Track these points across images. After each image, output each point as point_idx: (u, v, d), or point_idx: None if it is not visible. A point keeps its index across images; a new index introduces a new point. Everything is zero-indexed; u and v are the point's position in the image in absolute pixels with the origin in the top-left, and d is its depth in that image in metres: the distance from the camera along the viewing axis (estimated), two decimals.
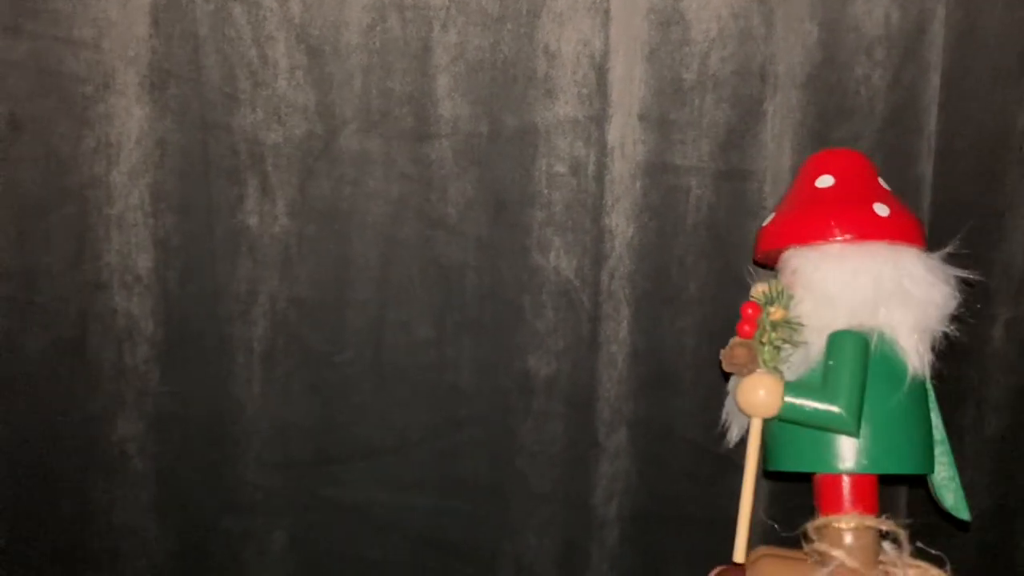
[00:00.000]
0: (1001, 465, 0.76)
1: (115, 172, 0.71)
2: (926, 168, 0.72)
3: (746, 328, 0.60)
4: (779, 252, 0.63)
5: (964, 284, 0.61)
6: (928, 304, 0.60)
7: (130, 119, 0.70)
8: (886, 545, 0.61)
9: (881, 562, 0.60)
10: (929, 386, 0.62)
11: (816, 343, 0.60)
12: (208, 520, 0.74)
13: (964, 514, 0.64)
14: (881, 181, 0.64)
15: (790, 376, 0.60)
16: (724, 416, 0.64)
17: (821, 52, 0.71)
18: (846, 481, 0.60)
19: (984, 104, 0.72)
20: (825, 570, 0.59)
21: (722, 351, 0.59)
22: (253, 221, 0.71)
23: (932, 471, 0.63)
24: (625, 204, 0.72)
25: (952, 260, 0.61)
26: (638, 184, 0.72)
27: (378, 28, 0.70)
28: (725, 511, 0.74)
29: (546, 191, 0.72)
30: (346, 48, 0.70)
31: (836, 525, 0.60)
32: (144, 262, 0.71)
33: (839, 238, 0.60)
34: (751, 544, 0.61)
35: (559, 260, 0.72)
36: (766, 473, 0.65)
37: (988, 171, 0.73)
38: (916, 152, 0.72)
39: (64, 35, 0.69)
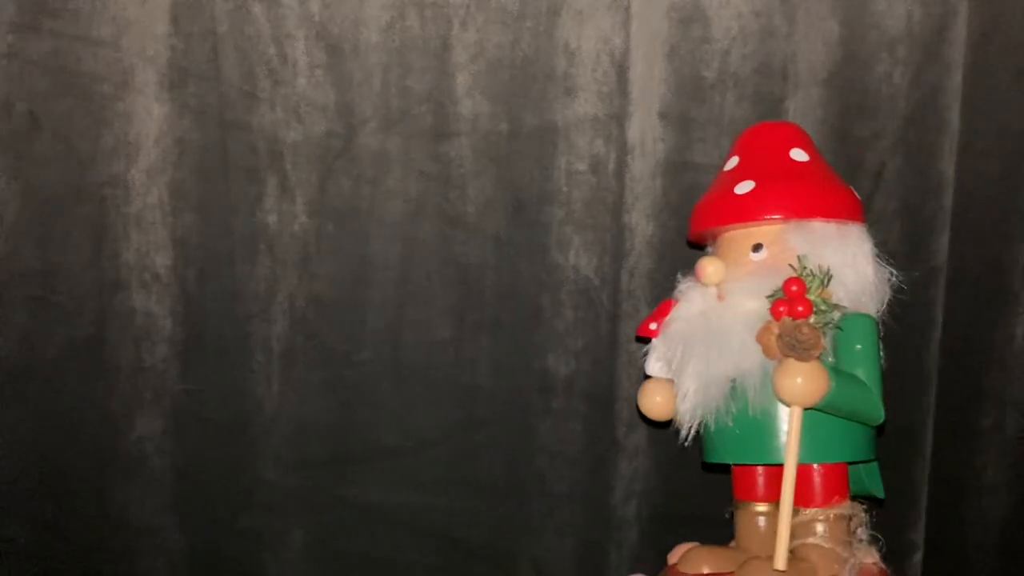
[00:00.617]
0: (1021, 465, 0.76)
1: (134, 170, 0.71)
2: (948, 166, 0.73)
3: (799, 307, 0.55)
4: (723, 229, 0.60)
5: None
6: (882, 289, 0.60)
7: (149, 118, 0.71)
8: (856, 531, 0.60)
9: (850, 550, 0.59)
10: None
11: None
12: (226, 518, 0.74)
13: (879, 492, 0.64)
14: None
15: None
16: (688, 407, 0.59)
17: (842, 50, 0.71)
18: (815, 471, 0.59)
19: (1006, 102, 0.73)
20: (844, 571, 0.58)
21: (760, 332, 0.55)
22: (272, 220, 0.72)
23: (876, 457, 0.62)
24: (645, 202, 0.72)
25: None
26: (658, 182, 0.72)
27: (397, 26, 0.70)
28: None
29: (565, 189, 0.72)
30: (365, 46, 0.70)
31: (804, 515, 0.59)
32: (163, 260, 0.72)
33: (837, 218, 0.59)
34: (682, 539, 0.62)
35: (578, 259, 0.72)
36: (704, 466, 0.63)
37: (1010, 169, 0.73)
38: (938, 150, 0.72)
39: (83, 34, 0.70)
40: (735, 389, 0.57)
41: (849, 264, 0.58)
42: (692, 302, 0.59)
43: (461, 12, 0.70)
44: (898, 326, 0.74)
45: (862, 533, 0.60)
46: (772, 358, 0.55)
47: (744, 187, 0.60)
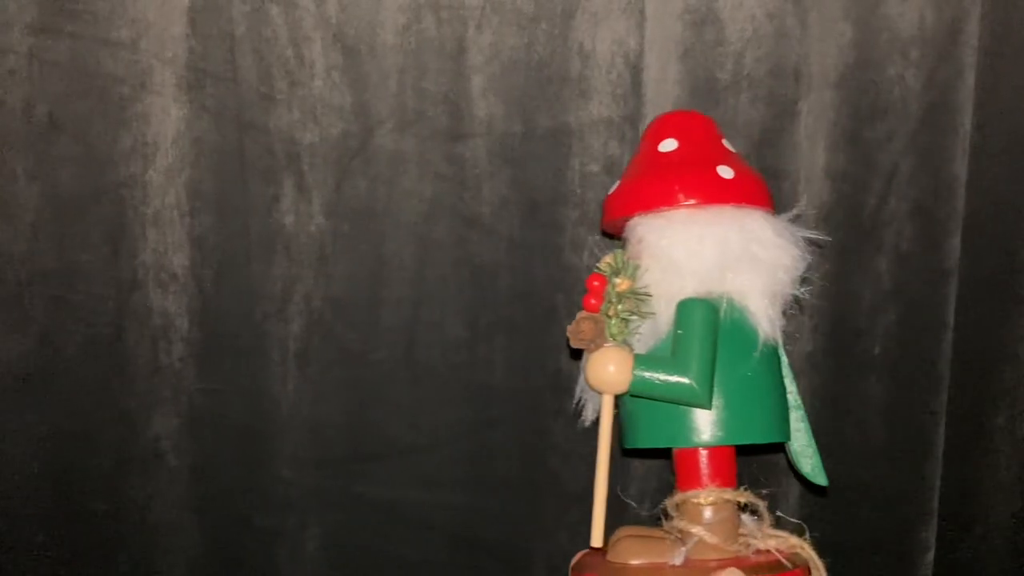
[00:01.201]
0: None
1: (152, 171, 0.72)
2: (961, 168, 0.74)
3: (592, 301, 0.58)
4: (625, 221, 0.61)
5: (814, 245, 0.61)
6: (777, 267, 0.59)
7: (167, 119, 0.72)
8: (745, 517, 0.61)
9: (742, 534, 0.60)
10: (782, 352, 0.62)
11: (665, 313, 0.59)
12: (242, 517, 0.76)
13: (821, 479, 0.64)
14: (726, 143, 0.63)
15: (640, 349, 0.59)
16: (578, 395, 0.63)
17: (855, 52, 0.73)
18: (703, 455, 0.60)
19: (1019, 104, 0.73)
20: (684, 547, 0.59)
21: (568, 327, 0.58)
22: (289, 220, 0.73)
23: (788, 439, 0.62)
24: None
25: (799, 221, 0.61)
26: None
27: (413, 28, 0.71)
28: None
29: (579, 190, 0.73)
30: (382, 48, 0.71)
31: (695, 500, 0.59)
32: (180, 260, 0.73)
33: (684, 203, 0.59)
34: (612, 526, 0.60)
35: (592, 259, 0.73)
36: (624, 451, 0.64)
37: (1022, 171, 0.74)
38: (951, 152, 0.73)
39: (102, 36, 0.71)
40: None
41: (690, 249, 0.58)
42: None
43: (476, 15, 0.72)
44: (911, 327, 0.75)
45: (758, 519, 0.60)
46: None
47: (613, 187, 0.63)
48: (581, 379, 0.62)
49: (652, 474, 0.75)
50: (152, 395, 0.74)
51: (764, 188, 0.61)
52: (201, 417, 0.74)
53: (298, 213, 0.73)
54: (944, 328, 0.75)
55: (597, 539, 0.59)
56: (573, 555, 0.77)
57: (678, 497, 0.60)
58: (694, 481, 0.60)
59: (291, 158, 0.72)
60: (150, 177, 0.72)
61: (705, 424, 0.58)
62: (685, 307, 0.58)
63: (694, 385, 0.57)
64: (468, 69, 0.72)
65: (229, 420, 0.75)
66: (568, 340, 0.58)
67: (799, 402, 0.63)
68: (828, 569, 0.61)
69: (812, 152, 0.73)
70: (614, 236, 0.65)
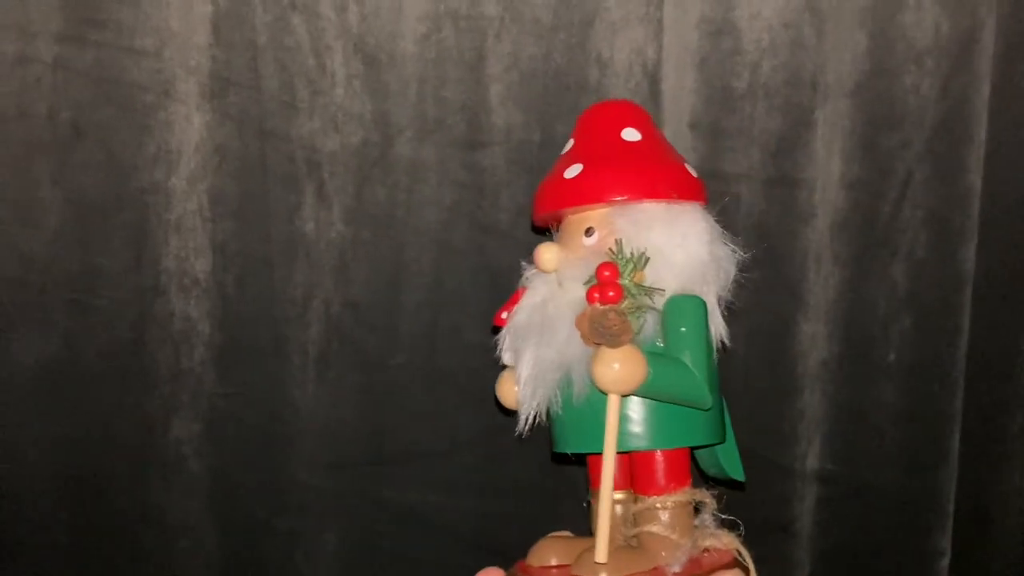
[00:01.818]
0: None
1: (175, 178, 0.74)
2: (975, 176, 0.75)
3: (610, 293, 0.54)
4: (564, 213, 0.60)
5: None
6: (726, 269, 0.59)
7: (190, 126, 0.74)
8: (700, 516, 0.60)
9: (693, 535, 0.59)
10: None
11: (659, 311, 0.57)
12: (261, 520, 0.77)
13: (738, 475, 0.64)
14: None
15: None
16: (522, 396, 0.58)
17: (871, 61, 0.74)
18: (659, 457, 0.58)
19: None
20: (680, 555, 0.57)
21: (587, 318, 0.54)
22: (309, 227, 0.74)
23: (725, 440, 0.62)
24: None
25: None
26: None
27: (433, 38, 0.73)
28: (773, 516, 0.78)
29: None
30: (402, 58, 0.73)
31: (649, 502, 0.58)
32: (202, 266, 0.75)
33: (666, 198, 0.57)
34: (538, 533, 0.60)
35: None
36: (553, 456, 0.62)
37: None
38: (966, 161, 0.75)
39: (127, 44, 0.73)
40: (567, 378, 0.56)
41: (679, 245, 0.57)
42: (536, 290, 0.58)
43: (495, 24, 0.73)
44: (926, 333, 0.77)
45: (709, 519, 0.59)
46: (589, 345, 0.55)
47: (573, 171, 0.59)
48: (524, 381, 0.58)
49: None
50: (173, 399, 0.76)
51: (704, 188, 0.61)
52: (221, 421, 0.76)
53: (319, 220, 0.74)
54: (959, 334, 0.76)
55: (602, 554, 0.55)
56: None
57: (644, 503, 0.58)
58: (649, 484, 0.58)
59: (312, 165, 0.74)
60: (173, 184, 0.74)
61: (661, 428, 0.57)
62: (682, 304, 0.56)
63: (704, 385, 0.56)
64: (487, 78, 0.73)
65: (249, 424, 0.76)
66: (588, 334, 0.54)
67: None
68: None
69: (828, 160, 0.75)
70: (544, 227, 0.62)
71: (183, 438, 0.76)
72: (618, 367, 0.53)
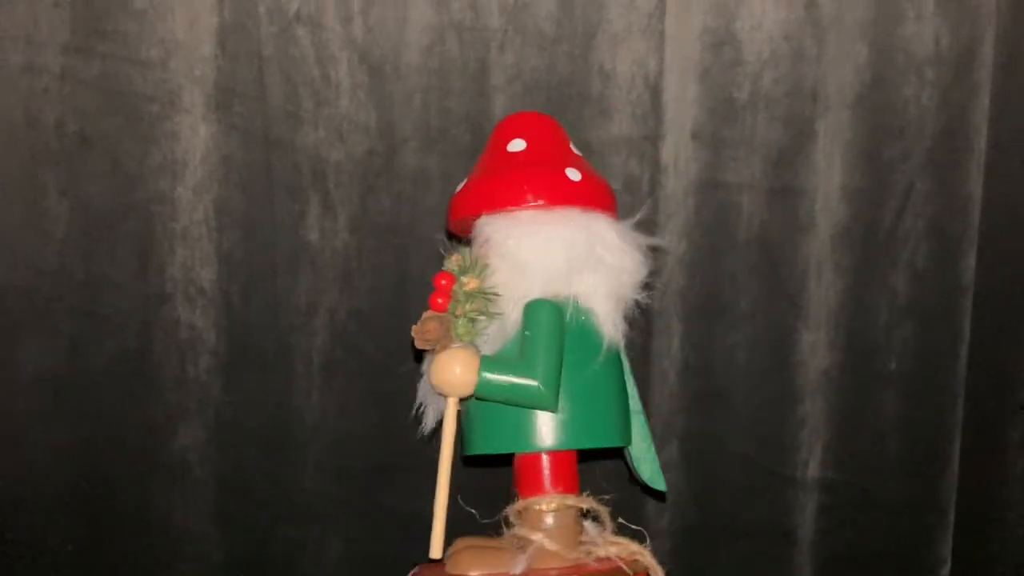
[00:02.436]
0: None
1: (180, 188, 0.75)
2: (976, 186, 0.76)
3: (439, 300, 0.58)
4: (472, 221, 0.61)
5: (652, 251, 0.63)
6: (621, 271, 0.60)
7: (195, 137, 0.75)
8: (588, 524, 0.61)
9: (583, 542, 0.60)
10: (623, 356, 0.63)
11: (512, 314, 0.58)
12: (266, 527, 0.78)
13: (660, 484, 0.65)
14: (572, 147, 0.64)
15: (486, 351, 0.58)
16: (419, 400, 0.62)
17: (871, 72, 0.75)
18: (545, 460, 0.60)
19: None
20: (524, 555, 0.58)
21: (413, 327, 0.58)
22: (314, 236, 0.76)
23: (630, 443, 0.63)
24: (677, 221, 0.76)
25: (640, 227, 0.62)
26: (690, 201, 0.76)
27: (437, 49, 0.74)
28: (776, 524, 0.79)
29: None
30: (406, 69, 0.74)
31: (536, 507, 0.59)
32: (208, 275, 0.76)
33: (531, 204, 0.59)
34: (450, 537, 0.60)
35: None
36: (466, 460, 0.63)
37: None
38: (966, 171, 0.76)
39: (133, 56, 0.74)
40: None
41: (539, 250, 0.58)
42: None
43: (499, 36, 0.74)
44: (926, 343, 0.78)
45: (606, 526, 0.60)
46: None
47: (460, 185, 0.63)
48: (423, 383, 0.62)
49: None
50: (179, 407, 0.77)
51: (610, 193, 0.63)
52: (227, 429, 0.77)
53: (323, 229, 0.76)
54: (960, 343, 0.77)
55: (436, 550, 0.58)
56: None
57: (520, 504, 0.60)
58: (536, 487, 0.60)
59: (317, 175, 0.75)
60: (179, 193, 0.75)
61: (547, 428, 0.58)
62: (532, 308, 0.58)
63: (541, 387, 0.57)
64: (491, 89, 0.75)
65: (254, 432, 0.77)
66: (412, 341, 0.58)
67: (640, 407, 0.64)
68: None
69: (829, 171, 0.76)
70: (460, 237, 0.65)
71: (189, 446, 0.77)
72: (447, 370, 0.57)
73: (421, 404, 0.63)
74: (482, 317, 0.58)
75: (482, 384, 0.57)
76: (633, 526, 0.61)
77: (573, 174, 0.61)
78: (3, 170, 0.74)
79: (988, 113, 0.75)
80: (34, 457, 0.77)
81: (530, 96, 0.74)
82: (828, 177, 0.76)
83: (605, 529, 0.61)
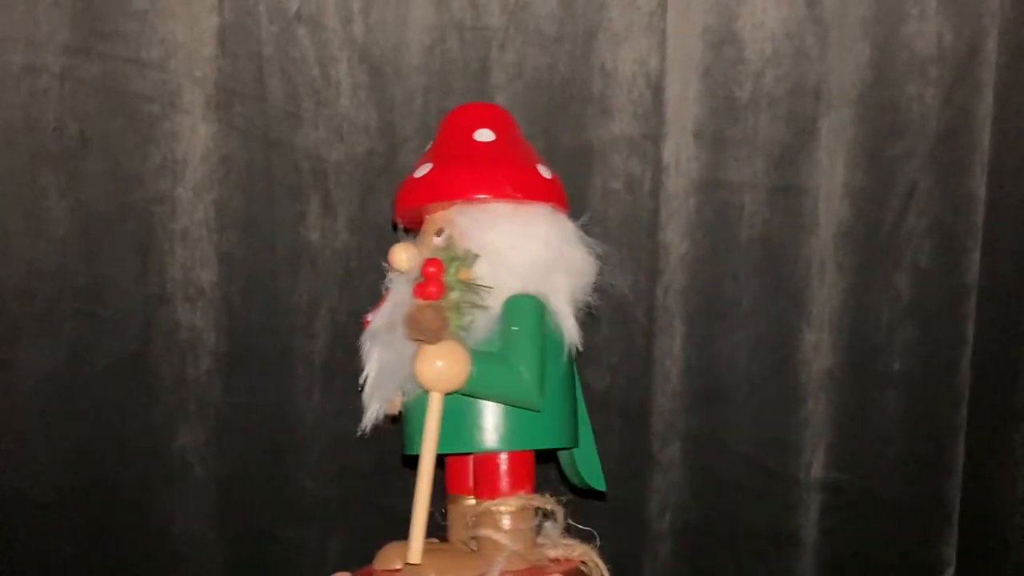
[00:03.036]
0: None
1: (180, 188, 0.76)
2: (979, 185, 0.76)
3: (431, 288, 0.55)
4: (422, 210, 0.60)
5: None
6: (580, 273, 0.60)
7: (195, 137, 0.75)
8: (544, 523, 0.60)
9: (538, 543, 0.59)
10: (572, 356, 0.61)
11: (495, 309, 0.57)
12: (266, 528, 0.79)
13: (599, 484, 0.64)
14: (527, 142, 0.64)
15: (470, 345, 0.56)
16: (366, 396, 0.60)
17: (874, 71, 0.75)
18: (506, 460, 0.58)
19: None
20: (499, 560, 0.57)
21: (404, 316, 0.55)
22: (315, 236, 0.76)
23: (578, 444, 0.62)
24: (679, 220, 0.76)
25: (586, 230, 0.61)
26: (692, 200, 0.76)
27: (438, 49, 0.75)
28: (779, 525, 0.79)
29: (601, 207, 0.76)
30: (407, 68, 0.75)
31: (497, 509, 0.58)
32: (208, 276, 0.76)
33: (509, 197, 0.58)
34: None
35: (614, 275, 0.76)
36: (405, 460, 0.61)
37: None
38: (969, 169, 0.76)
39: (133, 56, 0.74)
40: (409, 379, 0.57)
41: (519, 245, 0.57)
42: (397, 291, 0.59)
43: (500, 35, 0.75)
44: (930, 342, 0.78)
45: (559, 528, 0.60)
46: (412, 342, 0.55)
47: (422, 170, 0.60)
48: (371, 379, 0.59)
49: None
50: (179, 408, 0.77)
51: (565, 194, 0.62)
52: (227, 430, 0.78)
53: (324, 229, 0.76)
54: (963, 344, 0.78)
55: (415, 555, 0.55)
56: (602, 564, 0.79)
57: (480, 506, 0.58)
58: (495, 488, 0.58)
59: (317, 175, 0.76)
60: (179, 194, 0.76)
61: (509, 428, 0.57)
62: (517, 303, 0.57)
63: (531, 384, 0.56)
64: (491, 88, 0.75)
65: (255, 433, 0.78)
66: (406, 330, 0.54)
67: (583, 408, 0.63)
68: None
69: (832, 170, 0.76)
70: (406, 225, 0.63)
71: (189, 447, 0.78)
72: (438, 364, 0.54)
73: (367, 400, 0.60)
74: (472, 309, 0.56)
75: (472, 380, 0.55)
76: (582, 527, 0.61)
77: (544, 171, 0.61)
78: (3, 171, 0.75)
79: (991, 111, 0.75)
80: (34, 458, 0.77)
81: (531, 95, 0.75)
82: (830, 176, 0.76)
83: (558, 530, 0.60)
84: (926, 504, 0.79)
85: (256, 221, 0.76)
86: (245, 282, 0.77)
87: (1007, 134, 0.76)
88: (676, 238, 0.76)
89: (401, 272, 0.58)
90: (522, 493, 0.59)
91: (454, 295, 0.55)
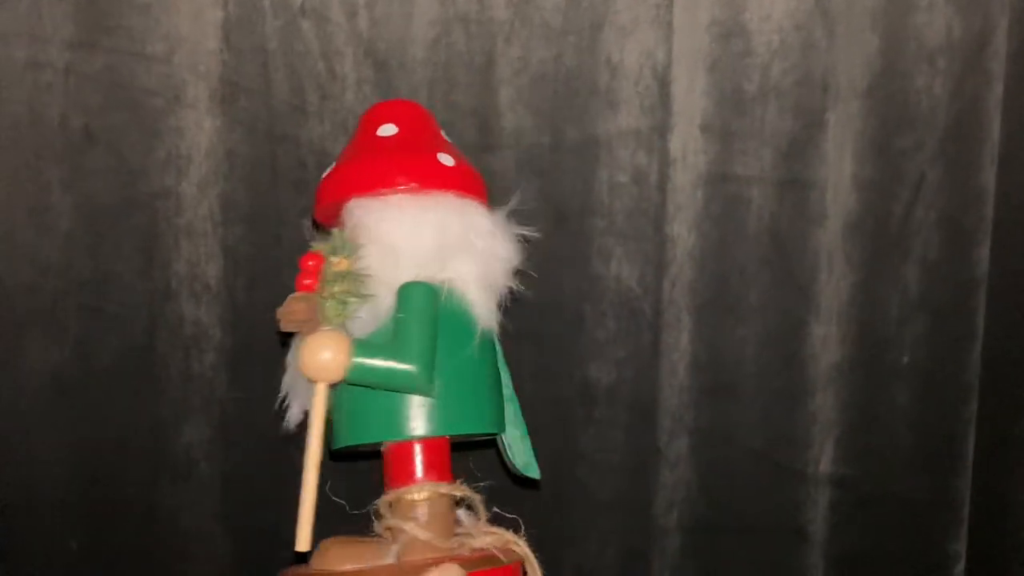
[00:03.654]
0: None
1: (185, 183, 0.76)
2: (989, 177, 0.76)
3: (306, 281, 0.57)
4: (342, 206, 0.61)
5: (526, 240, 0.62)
6: (494, 258, 0.60)
7: (200, 131, 0.75)
8: (462, 513, 0.60)
9: (458, 532, 0.59)
10: (497, 343, 0.62)
11: (385, 298, 0.57)
12: (272, 526, 0.78)
13: (534, 472, 0.64)
14: (443, 134, 0.64)
15: (359, 334, 0.57)
16: (283, 392, 0.61)
17: (882, 62, 0.75)
18: (416, 448, 0.58)
19: None
20: (395, 547, 0.57)
21: (278, 309, 0.57)
22: None
23: (503, 430, 0.62)
24: (687, 213, 0.76)
25: (515, 217, 0.62)
26: (699, 193, 0.76)
27: (443, 42, 0.75)
28: (786, 520, 0.79)
29: (607, 201, 0.76)
30: (412, 62, 0.75)
31: (408, 497, 0.58)
32: (213, 271, 0.77)
33: (403, 187, 0.59)
34: (322, 534, 0.59)
35: (620, 269, 0.76)
36: (334, 454, 0.62)
37: None
38: (979, 161, 0.76)
39: (138, 50, 0.75)
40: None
41: (410, 234, 0.58)
42: None
43: (505, 28, 0.75)
44: (939, 336, 0.78)
45: (474, 515, 0.60)
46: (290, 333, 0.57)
47: (328, 170, 0.62)
48: (288, 374, 0.61)
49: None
50: (184, 404, 0.78)
51: (481, 181, 0.63)
52: (232, 426, 0.78)
53: None
54: (973, 338, 0.77)
55: (304, 543, 0.56)
56: (601, 565, 0.79)
57: (391, 495, 0.59)
58: (407, 477, 0.59)
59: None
60: (183, 189, 0.76)
61: (418, 415, 0.57)
62: (405, 291, 0.57)
63: (416, 371, 0.56)
64: (497, 82, 0.75)
65: (260, 429, 0.77)
66: (279, 323, 0.57)
67: (513, 393, 0.63)
68: None
69: (840, 162, 0.76)
70: (329, 225, 0.64)
71: (194, 443, 0.78)
72: (316, 355, 0.55)
73: (286, 396, 0.61)
74: (353, 299, 0.56)
75: (355, 368, 0.55)
76: (508, 515, 0.61)
77: (445, 159, 0.61)
78: (7, 166, 0.75)
79: (1001, 103, 0.75)
80: (38, 454, 0.77)
81: (537, 88, 0.75)
82: (839, 168, 0.76)
83: (480, 519, 0.60)
84: (935, 499, 0.79)
85: (261, 216, 0.76)
86: (250, 277, 0.77)
87: (1017, 125, 0.75)
88: (683, 231, 0.76)
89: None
90: (434, 481, 0.58)
91: (334, 287, 0.56)
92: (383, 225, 0.58)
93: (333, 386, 0.57)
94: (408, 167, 0.60)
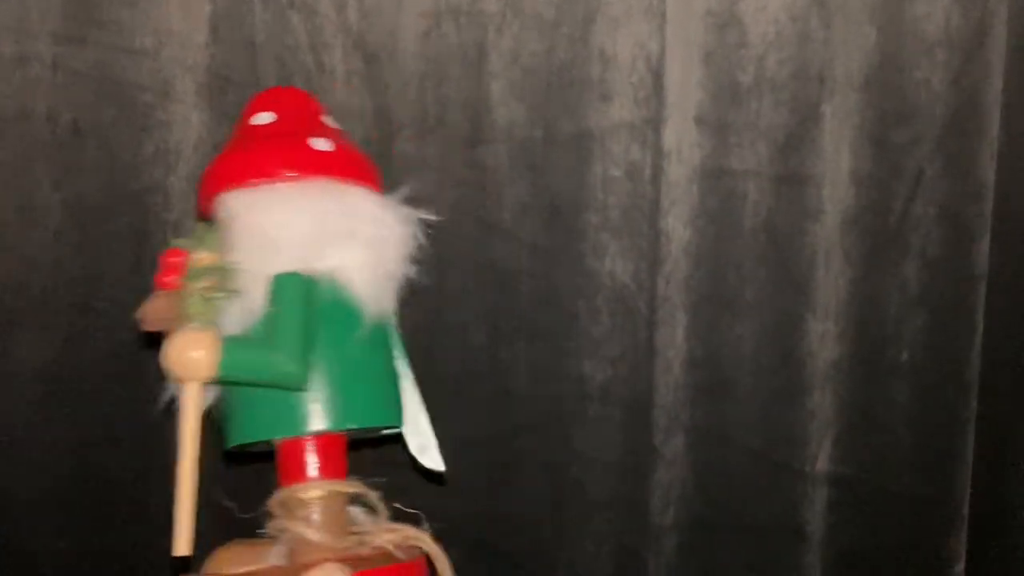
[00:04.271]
0: None
1: (173, 178, 0.75)
2: (988, 172, 0.75)
3: (166, 278, 0.56)
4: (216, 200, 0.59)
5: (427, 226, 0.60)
6: (383, 244, 0.58)
7: (188, 126, 0.75)
8: (357, 511, 0.58)
9: (355, 531, 0.57)
10: (395, 333, 0.61)
11: (258, 291, 0.55)
12: (265, 521, 0.78)
13: (436, 463, 0.63)
14: (327, 119, 0.62)
15: (233, 331, 0.55)
16: (171, 393, 0.59)
17: (880, 55, 0.74)
18: (306, 445, 0.57)
19: None
20: (283, 548, 0.56)
21: (140, 309, 0.56)
22: None
23: (400, 423, 0.61)
24: (682, 208, 0.75)
25: (411, 202, 0.60)
26: (695, 188, 0.75)
27: (433, 34, 0.74)
28: (783, 519, 0.78)
29: (601, 195, 0.75)
30: (402, 55, 0.74)
31: (299, 496, 0.56)
32: None
33: (276, 176, 0.57)
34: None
35: (614, 265, 0.76)
36: (229, 456, 0.61)
37: None
38: (979, 156, 0.75)
39: (126, 45, 0.74)
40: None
41: (283, 222, 0.56)
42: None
43: (497, 20, 0.74)
44: (938, 333, 0.77)
45: (373, 513, 0.58)
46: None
47: (209, 163, 0.61)
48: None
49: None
50: (174, 400, 0.77)
51: (368, 165, 0.60)
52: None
53: None
54: (973, 334, 0.77)
55: (183, 547, 0.55)
56: (597, 564, 0.79)
57: (282, 494, 0.57)
58: (298, 474, 0.57)
59: None
60: (172, 183, 0.75)
61: (306, 410, 0.56)
62: (276, 283, 0.55)
63: (288, 363, 0.54)
64: (488, 74, 0.74)
65: None
66: (142, 323, 0.56)
67: (414, 387, 0.62)
68: None
69: (837, 156, 0.75)
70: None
71: None
72: (181, 353, 0.53)
73: (173, 400, 0.59)
74: (218, 294, 0.55)
75: (225, 364, 0.53)
76: (408, 510, 0.59)
77: (321, 144, 0.59)
78: None
79: (1001, 96, 0.74)
80: (29, 452, 0.77)
81: (529, 81, 0.74)
82: (836, 163, 0.75)
83: (380, 516, 0.58)
84: (935, 497, 0.79)
85: None
86: None
87: (1017, 119, 0.75)
88: (678, 226, 0.76)
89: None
90: (325, 479, 0.57)
91: (198, 282, 0.55)
92: (252, 216, 0.56)
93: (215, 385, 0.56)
94: (279, 155, 0.57)
